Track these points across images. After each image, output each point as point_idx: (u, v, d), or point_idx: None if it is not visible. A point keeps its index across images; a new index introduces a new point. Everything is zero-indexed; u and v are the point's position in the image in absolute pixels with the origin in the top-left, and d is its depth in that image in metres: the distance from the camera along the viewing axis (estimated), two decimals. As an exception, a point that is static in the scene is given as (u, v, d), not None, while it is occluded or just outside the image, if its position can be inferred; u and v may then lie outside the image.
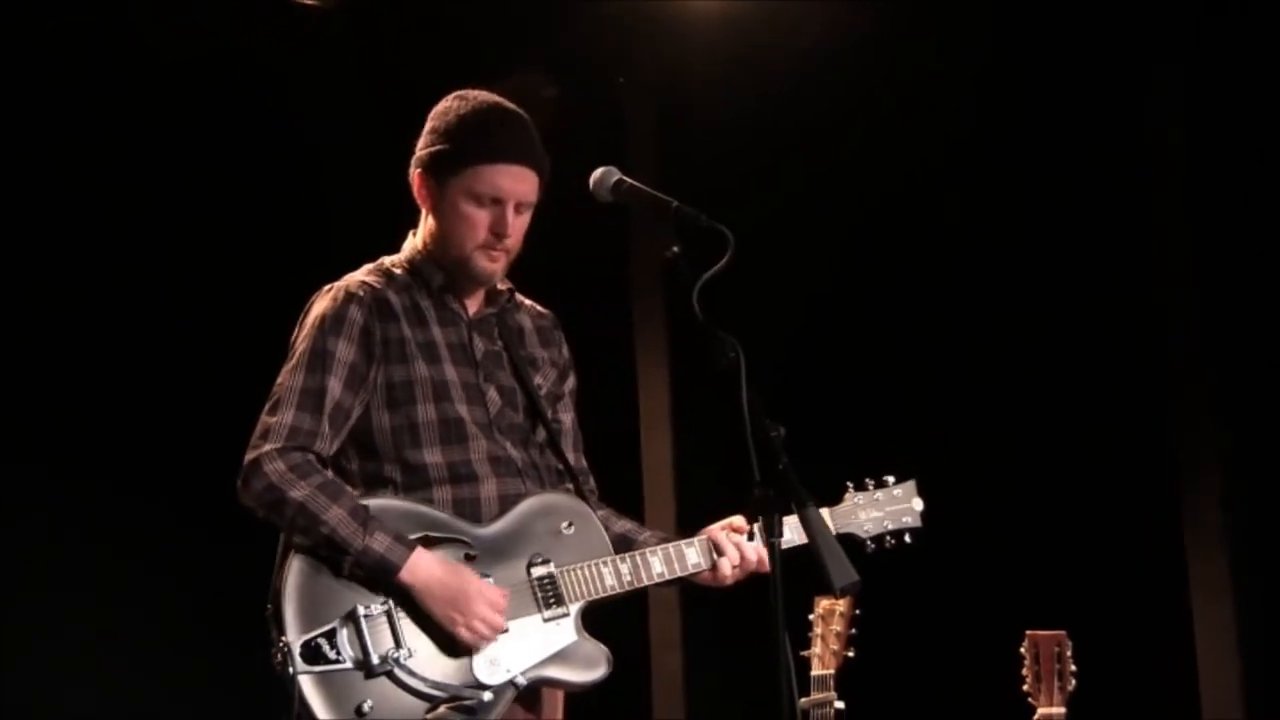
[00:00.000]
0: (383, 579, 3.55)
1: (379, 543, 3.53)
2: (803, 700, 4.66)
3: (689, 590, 4.01)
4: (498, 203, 3.74)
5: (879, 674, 4.86)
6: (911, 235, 6.13)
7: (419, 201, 3.83)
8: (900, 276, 6.14)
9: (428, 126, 3.84)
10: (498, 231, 3.74)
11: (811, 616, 4.82)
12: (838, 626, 4.80)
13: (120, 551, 5.58)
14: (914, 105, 6.05)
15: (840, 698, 4.77)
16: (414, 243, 3.86)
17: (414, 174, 3.82)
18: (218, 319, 5.78)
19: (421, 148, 3.82)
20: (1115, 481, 5.80)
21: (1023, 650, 4.68)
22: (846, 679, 4.79)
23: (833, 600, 4.80)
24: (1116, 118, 5.93)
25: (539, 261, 3.91)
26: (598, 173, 3.65)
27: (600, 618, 3.80)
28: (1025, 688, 4.66)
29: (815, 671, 4.79)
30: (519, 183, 3.75)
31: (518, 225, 3.77)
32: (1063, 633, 4.69)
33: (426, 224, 3.83)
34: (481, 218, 3.74)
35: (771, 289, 5.75)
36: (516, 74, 5.76)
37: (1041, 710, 4.64)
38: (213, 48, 5.68)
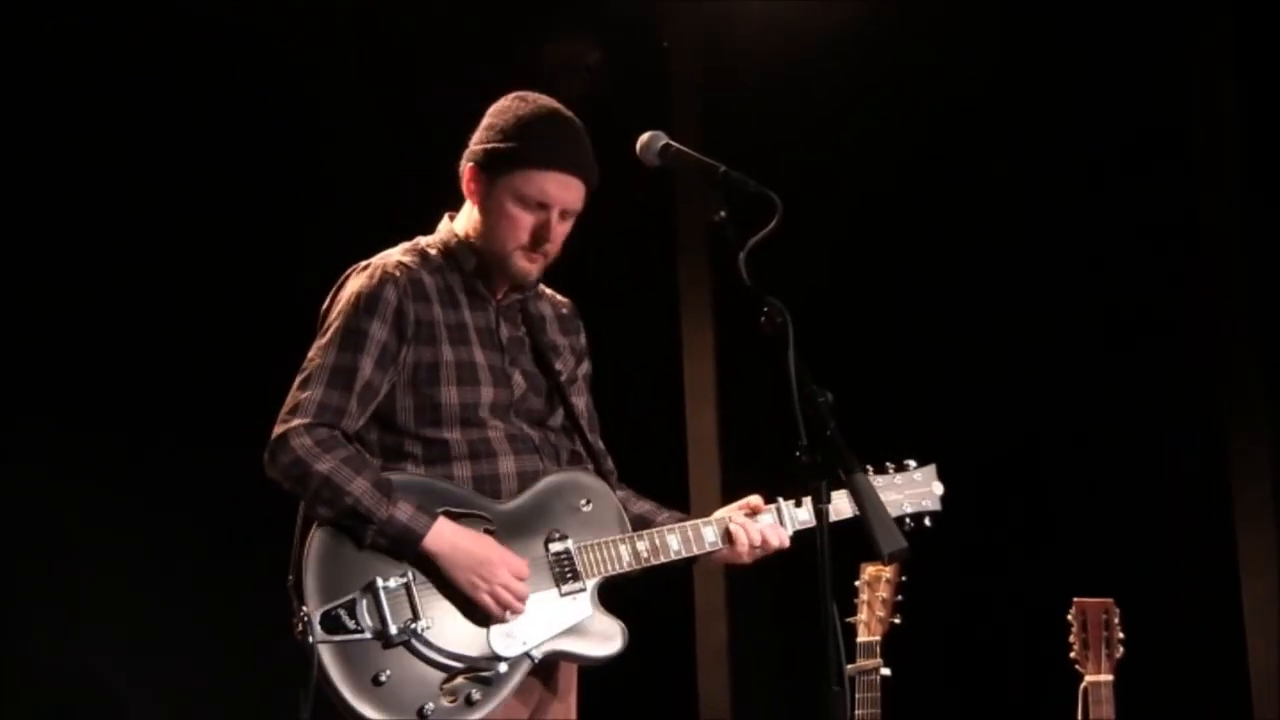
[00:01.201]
0: (406, 549, 3.59)
1: (402, 512, 3.58)
2: (849, 667, 4.66)
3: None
4: (544, 208, 3.77)
5: (925, 641, 4.86)
6: (961, 202, 6.09)
7: (466, 193, 3.85)
8: (942, 245, 6.10)
9: (485, 122, 3.85)
10: (540, 237, 3.78)
11: (858, 583, 4.82)
12: (884, 593, 4.79)
13: (143, 524, 5.58)
14: (960, 71, 6.01)
15: (886, 664, 4.76)
16: (451, 227, 3.89)
17: (466, 166, 3.84)
18: (238, 298, 5.77)
19: (477, 142, 3.84)
20: (1164, 449, 5.76)
21: (1070, 618, 4.67)
22: (892, 646, 4.78)
23: (879, 567, 4.79)
24: (1163, 91, 5.88)
25: (584, 227, 3.89)
26: (644, 137, 3.65)
27: (642, 587, 3.82)
28: (1072, 655, 4.65)
29: (861, 638, 4.79)
30: (567, 190, 3.78)
31: (560, 232, 3.80)
32: (1110, 600, 4.68)
33: (470, 215, 3.86)
34: (526, 220, 3.77)
35: (815, 254, 5.71)
36: (562, 39, 5.76)
37: (1089, 678, 4.63)
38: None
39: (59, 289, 5.53)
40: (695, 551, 3.84)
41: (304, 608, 3.55)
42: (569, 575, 3.72)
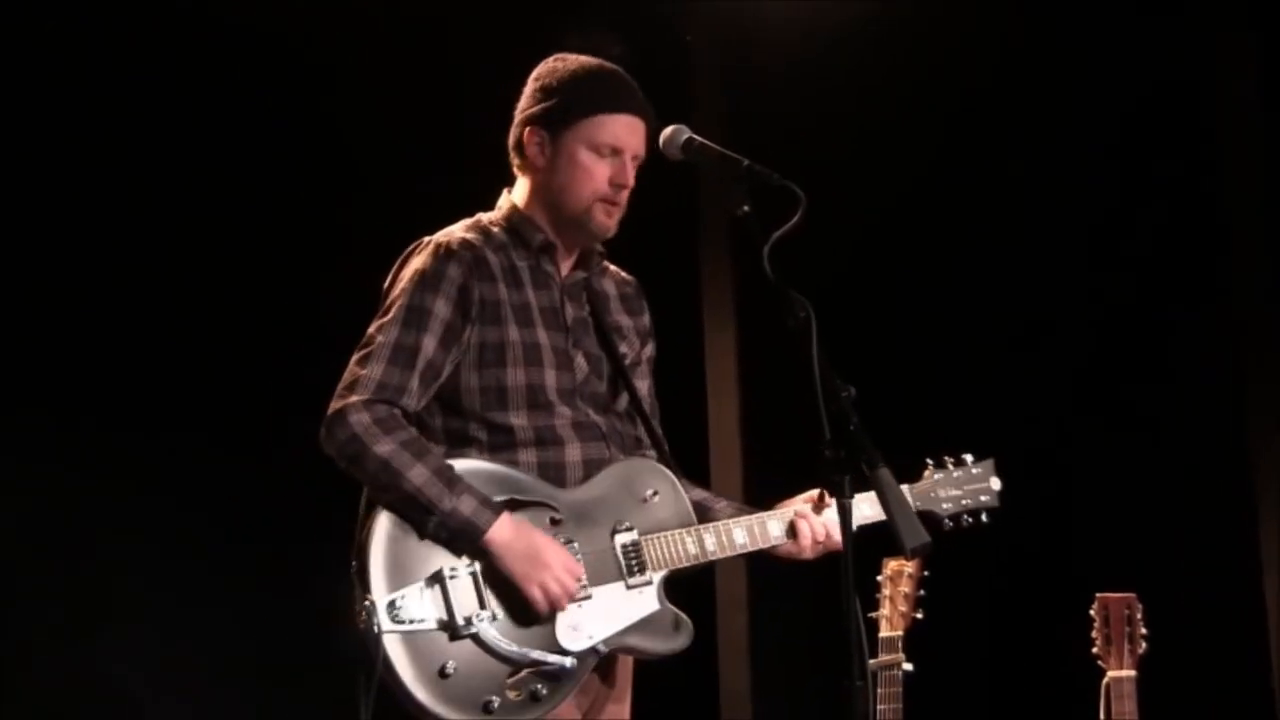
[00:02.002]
0: (466, 543, 3.52)
1: (465, 505, 3.51)
2: (871, 662, 4.64)
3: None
4: (617, 153, 3.72)
5: (948, 636, 4.85)
6: (978, 198, 6.08)
7: (528, 159, 3.78)
8: (967, 240, 6.09)
9: (532, 88, 3.81)
10: (619, 183, 3.73)
11: (880, 578, 4.81)
12: (906, 588, 4.78)
13: (195, 506, 5.58)
14: (985, 66, 6.01)
15: (908, 660, 4.75)
16: (512, 200, 3.83)
17: (522, 132, 3.78)
18: (259, 294, 5.76)
19: (528, 107, 3.79)
20: (1186, 444, 5.75)
21: (1093, 613, 4.66)
22: (915, 641, 4.77)
23: (901, 562, 4.78)
24: (1185, 80, 5.87)
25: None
26: (667, 130, 3.65)
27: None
28: (1095, 650, 4.64)
29: (883, 633, 4.78)
30: (635, 134, 3.75)
31: (627, 192, 3.76)
32: (1133, 595, 4.67)
33: (532, 182, 3.80)
34: (601, 169, 3.72)
35: (838, 247, 5.71)
36: (583, 34, 5.74)
37: (1111, 673, 4.62)
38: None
39: (60, 285, 5.50)
40: (760, 546, 3.79)
41: (368, 596, 3.47)
42: (636, 568, 3.66)
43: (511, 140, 3.82)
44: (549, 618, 3.56)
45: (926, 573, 4.79)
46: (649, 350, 3.98)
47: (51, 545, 5.42)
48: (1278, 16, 5.68)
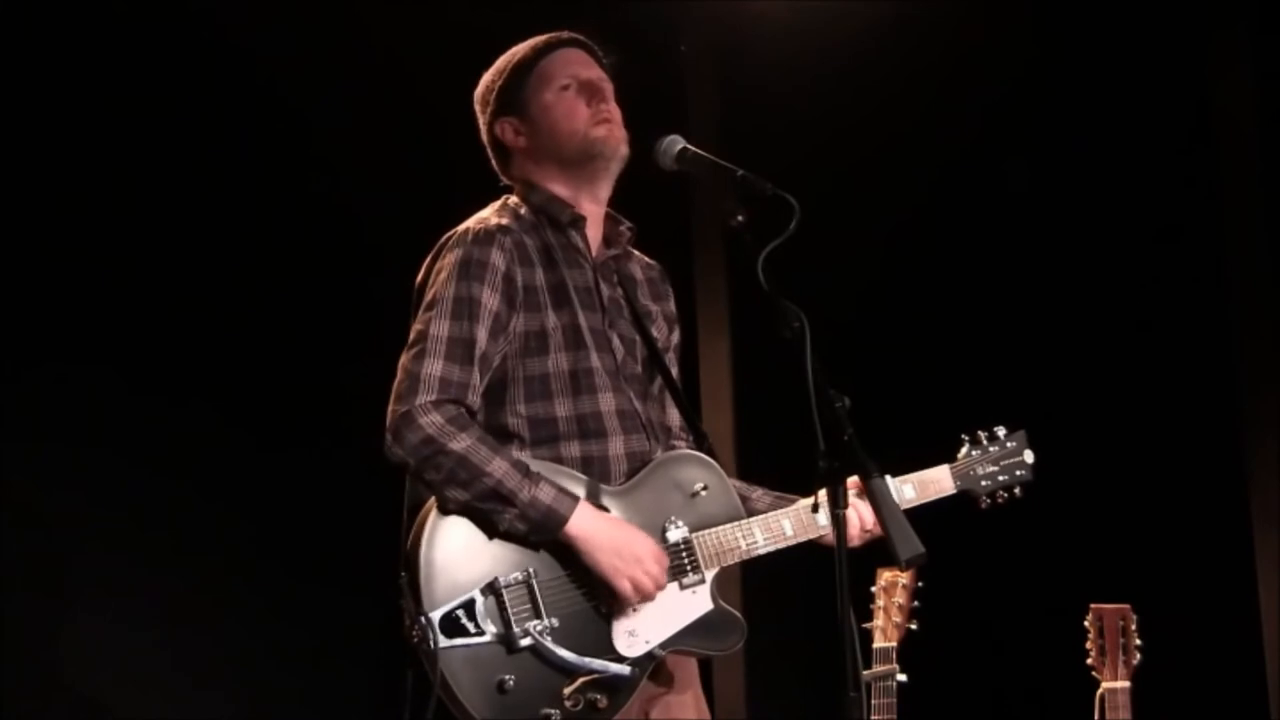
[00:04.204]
0: (546, 532, 3.43)
1: (545, 493, 3.42)
2: (865, 672, 4.64)
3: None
4: (579, 80, 3.72)
5: (941, 646, 4.84)
6: (974, 206, 6.08)
7: (513, 146, 3.77)
8: (962, 249, 6.10)
9: (479, 105, 3.81)
10: (594, 99, 3.71)
11: (874, 588, 4.81)
12: (900, 598, 4.78)
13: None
14: (978, 73, 6.01)
15: (902, 670, 4.75)
16: (527, 185, 3.76)
17: (495, 130, 3.77)
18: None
19: (489, 104, 3.78)
20: (1180, 454, 5.75)
21: (1087, 624, 4.65)
22: (908, 651, 4.77)
23: (895, 572, 4.78)
24: (1178, 87, 5.88)
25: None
26: (662, 141, 3.63)
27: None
28: (1089, 661, 4.64)
29: (877, 644, 4.78)
30: (584, 64, 3.75)
31: (611, 103, 3.74)
32: (1127, 606, 4.67)
33: (528, 161, 3.76)
34: (571, 98, 3.71)
35: (834, 258, 5.71)
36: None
37: (1106, 684, 4.62)
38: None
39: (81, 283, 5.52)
40: (808, 536, 3.69)
41: (420, 610, 3.37)
42: (689, 567, 3.58)
43: (491, 152, 3.82)
44: (605, 622, 3.49)
45: (920, 583, 4.78)
46: (675, 337, 3.92)
47: (54, 546, 5.42)
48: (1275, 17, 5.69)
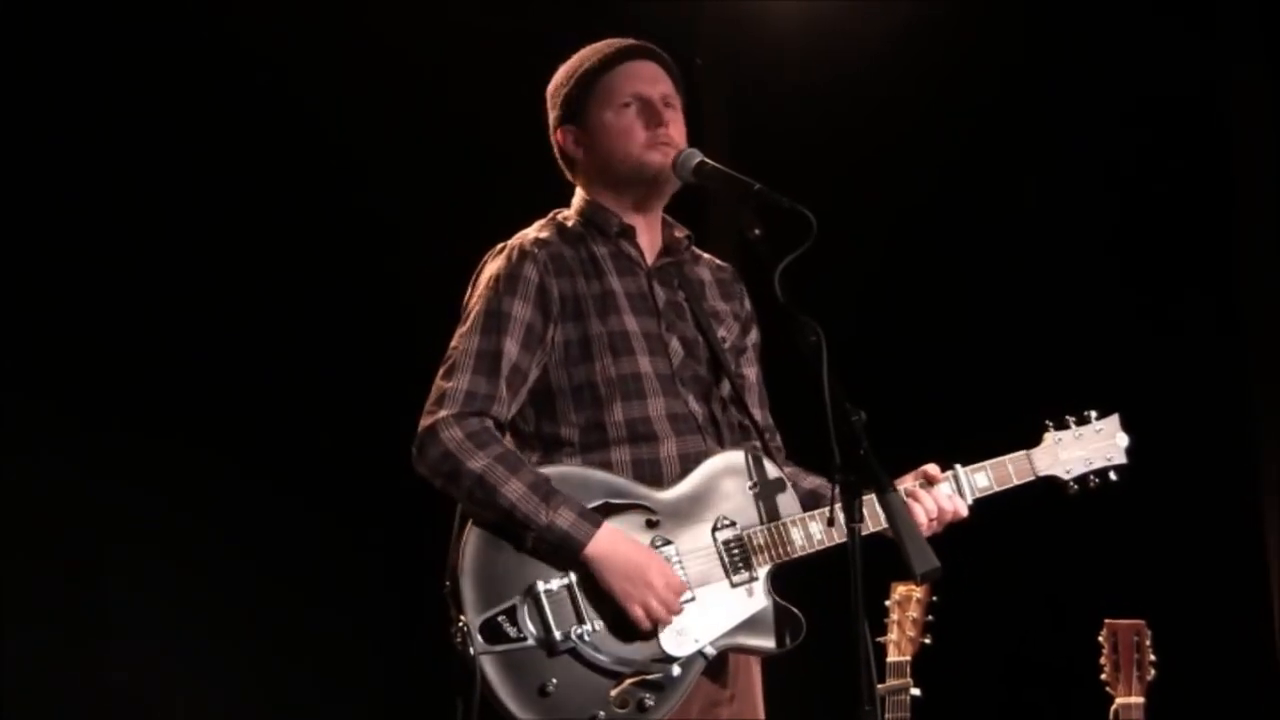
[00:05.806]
0: (564, 555, 3.42)
1: (563, 519, 3.41)
2: (879, 687, 4.64)
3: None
4: (639, 98, 3.68)
5: (956, 661, 4.84)
6: (986, 215, 6.08)
7: (572, 158, 3.75)
8: (974, 257, 6.09)
9: (549, 101, 3.79)
10: (653, 122, 3.67)
11: (888, 603, 4.80)
12: (914, 613, 4.77)
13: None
14: (991, 84, 6.02)
15: (916, 684, 4.74)
16: (581, 194, 3.77)
17: (556, 136, 3.76)
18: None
19: (555, 108, 3.77)
20: (1195, 470, 5.74)
21: (1101, 639, 4.65)
22: (923, 666, 4.76)
23: (910, 586, 4.77)
24: (1183, 87, 5.88)
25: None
26: (679, 154, 3.63)
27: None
28: (1104, 677, 4.63)
29: (891, 658, 4.77)
30: (647, 79, 3.71)
31: (672, 118, 3.70)
32: (1142, 622, 4.66)
33: (586, 174, 3.75)
34: (630, 119, 3.67)
35: (846, 268, 5.71)
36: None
37: (1120, 700, 4.61)
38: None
39: (74, 292, 5.52)
40: (873, 528, 3.47)
41: (462, 617, 3.39)
42: (740, 564, 3.52)
43: (556, 154, 3.80)
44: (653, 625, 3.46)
45: (935, 598, 4.77)
46: (753, 336, 3.86)
47: (54, 549, 5.43)
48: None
